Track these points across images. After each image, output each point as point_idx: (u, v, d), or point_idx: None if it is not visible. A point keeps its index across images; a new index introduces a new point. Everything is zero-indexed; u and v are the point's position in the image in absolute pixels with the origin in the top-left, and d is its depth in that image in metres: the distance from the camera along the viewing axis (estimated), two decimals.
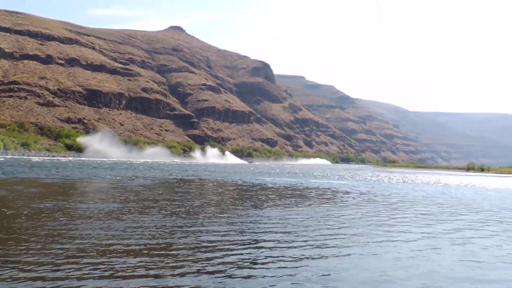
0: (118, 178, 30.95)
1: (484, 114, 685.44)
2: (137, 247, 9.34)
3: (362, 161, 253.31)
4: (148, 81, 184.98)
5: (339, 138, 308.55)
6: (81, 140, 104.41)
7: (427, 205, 21.38)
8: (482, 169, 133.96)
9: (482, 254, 10.20)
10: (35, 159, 65.56)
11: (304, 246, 10.13)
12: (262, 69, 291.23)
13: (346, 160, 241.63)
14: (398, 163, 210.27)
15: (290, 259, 8.87)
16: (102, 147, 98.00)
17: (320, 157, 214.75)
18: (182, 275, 7.62)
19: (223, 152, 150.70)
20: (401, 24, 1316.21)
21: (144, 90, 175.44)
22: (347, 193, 27.14)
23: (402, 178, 56.28)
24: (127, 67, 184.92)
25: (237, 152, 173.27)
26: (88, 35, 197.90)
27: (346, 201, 21.69)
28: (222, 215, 14.44)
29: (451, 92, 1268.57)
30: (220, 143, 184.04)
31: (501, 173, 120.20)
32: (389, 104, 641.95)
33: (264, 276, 7.70)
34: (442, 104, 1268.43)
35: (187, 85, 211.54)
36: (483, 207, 21.76)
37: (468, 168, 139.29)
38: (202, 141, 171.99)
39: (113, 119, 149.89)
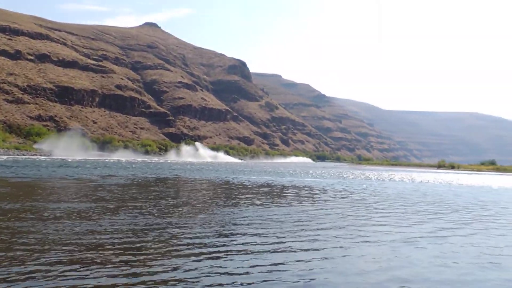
0: (89, 177, 30.04)
1: (454, 113, 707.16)
2: (107, 249, 8.91)
3: (338, 159, 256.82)
4: (122, 78, 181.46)
5: (315, 136, 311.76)
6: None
7: (404, 203, 21.61)
8: (452, 167, 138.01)
9: (461, 254, 10.26)
10: (3, 157, 63.07)
11: (283, 247, 9.92)
12: (239, 67, 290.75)
13: (322, 158, 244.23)
14: (372, 161, 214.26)
15: (267, 262, 8.61)
16: (66, 150, 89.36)
17: (296, 155, 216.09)
18: (153, 281, 7.29)
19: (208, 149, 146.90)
20: (375, 25, 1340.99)
21: (118, 87, 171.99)
22: (325, 191, 27.21)
23: (378, 176, 57.15)
24: (100, 63, 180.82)
25: (213, 151, 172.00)
26: (59, 31, 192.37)
27: (324, 200, 21.69)
28: (197, 215, 14.09)
29: (423, 91, 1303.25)
30: (197, 141, 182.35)
31: (470, 170, 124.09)
32: (363, 103, 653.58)
33: (239, 281, 7.43)
34: (414, 103, 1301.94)
35: (162, 83, 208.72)
36: (459, 204, 22.19)
37: (439, 166, 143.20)
38: (178, 139, 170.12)
39: (86, 116, 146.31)
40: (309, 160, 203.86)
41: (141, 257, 8.58)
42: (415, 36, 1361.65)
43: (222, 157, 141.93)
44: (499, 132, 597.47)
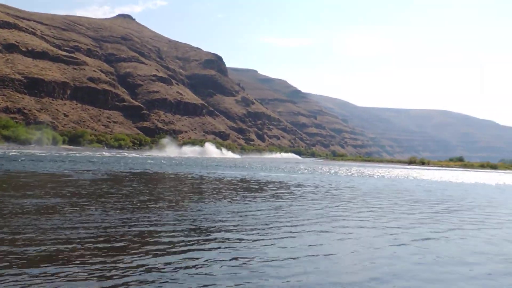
0: (61, 171, 28.88)
1: (425, 111, 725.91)
2: (76, 247, 8.35)
3: (312, 155, 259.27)
4: (95, 71, 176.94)
5: (290, 132, 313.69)
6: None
7: (380, 198, 21.71)
8: (422, 163, 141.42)
9: (441, 250, 10.21)
10: None
11: (259, 245, 9.60)
12: (215, 61, 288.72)
13: (297, 153, 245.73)
14: (346, 157, 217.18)
15: (243, 260, 8.25)
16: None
17: (271, 151, 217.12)
18: (124, 280, 6.82)
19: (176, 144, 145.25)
20: (349, 22, 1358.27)
21: (91, 79, 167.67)
22: (302, 186, 27.10)
23: (352, 171, 57.78)
24: (72, 55, 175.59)
25: (188, 145, 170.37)
26: (28, 20, 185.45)
27: (302, 195, 21.53)
28: (171, 210, 13.61)
29: (396, 89, 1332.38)
30: (172, 135, 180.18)
31: (439, 166, 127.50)
32: (338, 99, 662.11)
33: (215, 280, 7.06)
34: (388, 100, 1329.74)
35: (137, 76, 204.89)
36: (432, 200, 22.48)
37: (410, 162, 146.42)
38: (152, 134, 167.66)
39: (57, 109, 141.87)
40: (297, 157, 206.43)
41: (112, 255, 8.08)
42: (389, 36, 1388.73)
43: (222, 152, 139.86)
44: (466, 130, 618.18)
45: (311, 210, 15.38)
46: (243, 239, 9.77)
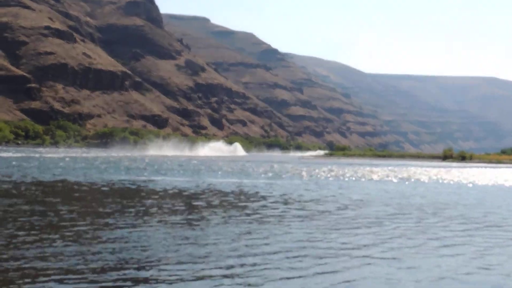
0: None
1: (464, 79, 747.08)
2: None
3: (299, 148, 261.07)
4: None
5: (263, 114, 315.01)
6: None
7: (414, 218, 21.74)
8: (463, 157, 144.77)
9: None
10: None
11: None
12: (143, 5, 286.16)
13: (275, 146, 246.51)
14: (350, 151, 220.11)
15: None
16: None
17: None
18: None
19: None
20: None
21: None
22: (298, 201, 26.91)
23: (368, 175, 58.33)
24: None
25: (102, 137, 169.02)
26: None
27: (299, 215, 21.36)
28: (78, 239, 13.09)
29: (419, 48, 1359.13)
30: (77, 122, 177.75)
31: (487, 162, 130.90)
32: (335, 63, 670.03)
33: None
34: (408, 64, 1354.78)
35: (18, 29, 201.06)
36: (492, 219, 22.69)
37: (446, 157, 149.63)
38: (46, 120, 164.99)
39: None
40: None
41: None
42: None
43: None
44: None
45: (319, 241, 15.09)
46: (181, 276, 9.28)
